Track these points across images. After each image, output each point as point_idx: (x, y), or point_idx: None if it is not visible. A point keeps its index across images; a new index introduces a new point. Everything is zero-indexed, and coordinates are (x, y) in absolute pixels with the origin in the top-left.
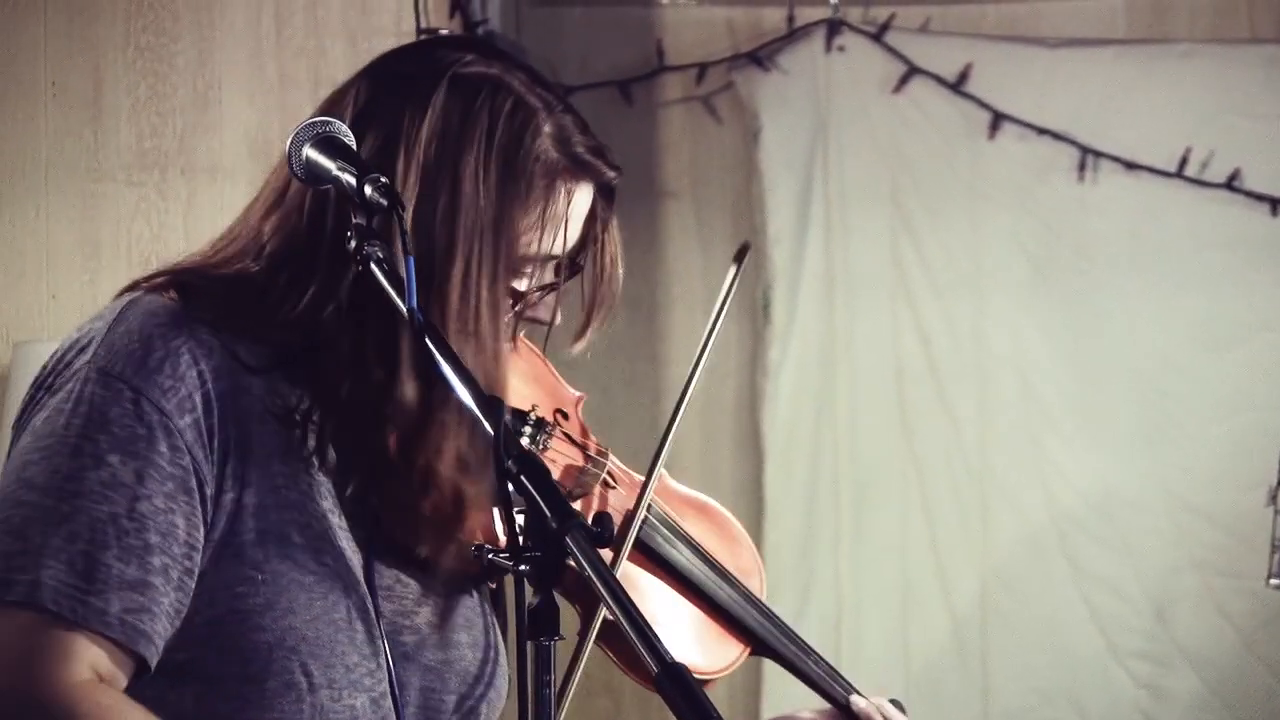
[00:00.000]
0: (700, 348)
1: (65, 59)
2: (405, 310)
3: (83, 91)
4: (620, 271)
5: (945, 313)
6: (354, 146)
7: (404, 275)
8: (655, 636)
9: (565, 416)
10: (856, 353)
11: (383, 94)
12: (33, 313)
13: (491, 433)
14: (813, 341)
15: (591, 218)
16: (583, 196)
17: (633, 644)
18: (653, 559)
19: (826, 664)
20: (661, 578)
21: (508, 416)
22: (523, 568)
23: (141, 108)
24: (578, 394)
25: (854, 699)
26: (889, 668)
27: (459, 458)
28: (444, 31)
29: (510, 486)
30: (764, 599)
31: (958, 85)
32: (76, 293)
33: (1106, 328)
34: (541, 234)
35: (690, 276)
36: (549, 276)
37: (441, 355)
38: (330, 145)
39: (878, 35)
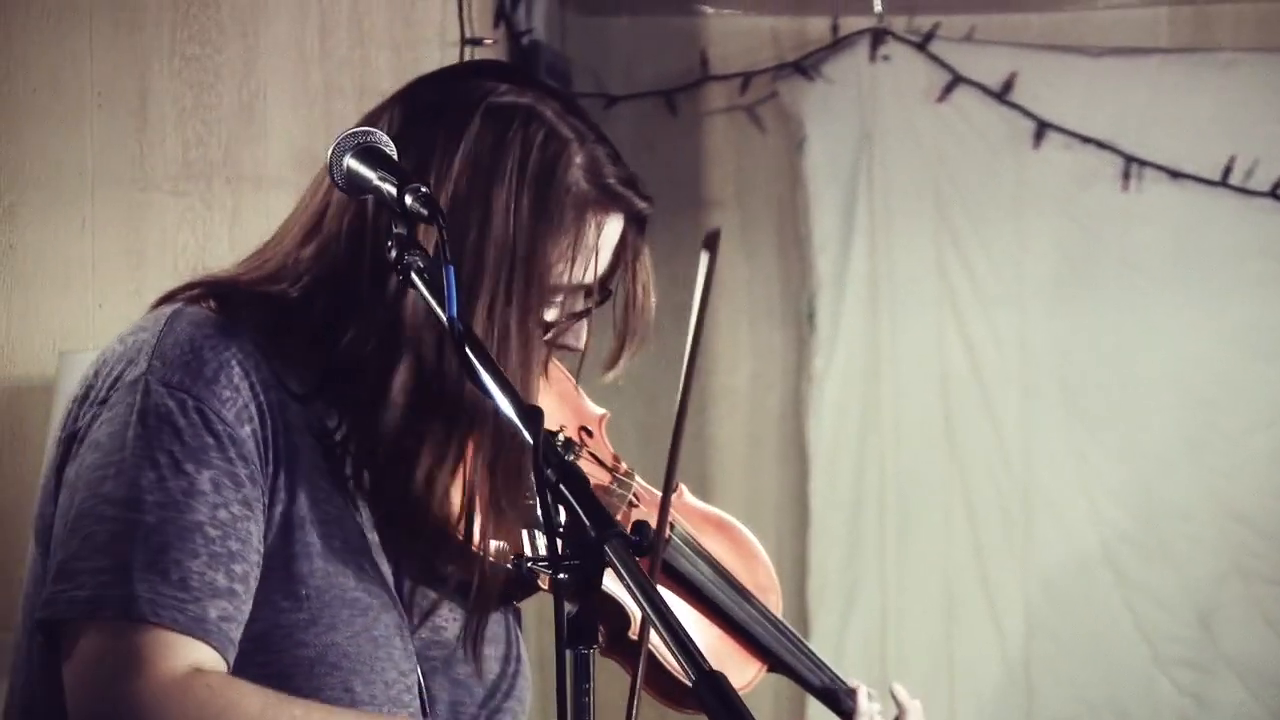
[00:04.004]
0: (690, 343)
1: (111, 69)
2: (445, 319)
3: (128, 101)
4: (652, 301)
5: (989, 321)
6: (395, 157)
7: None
8: (694, 645)
9: (590, 434)
10: (901, 361)
11: (416, 121)
12: (79, 322)
13: (530, 442)
14: (857, 350)
15: (622, 246)
16: (613, 227)
17: (674, 671)
18: (674, 577)
19: (841, 681)
20: (682, 595)
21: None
22: (561, 576)
23: (187, 117)
24: (601, 411)
25: (859, 695)
26: (933, 677)
27: (470, 488)
28: (487, 42)
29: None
30: (780, 615)
31: (1002, 94)
32: (122, 302)
33: (1150, 337)
34: (572, 264)
35: (735, 286)
36: (579, 305)
37: (481, 364)
38: (371, 155)
39: (922, 44)
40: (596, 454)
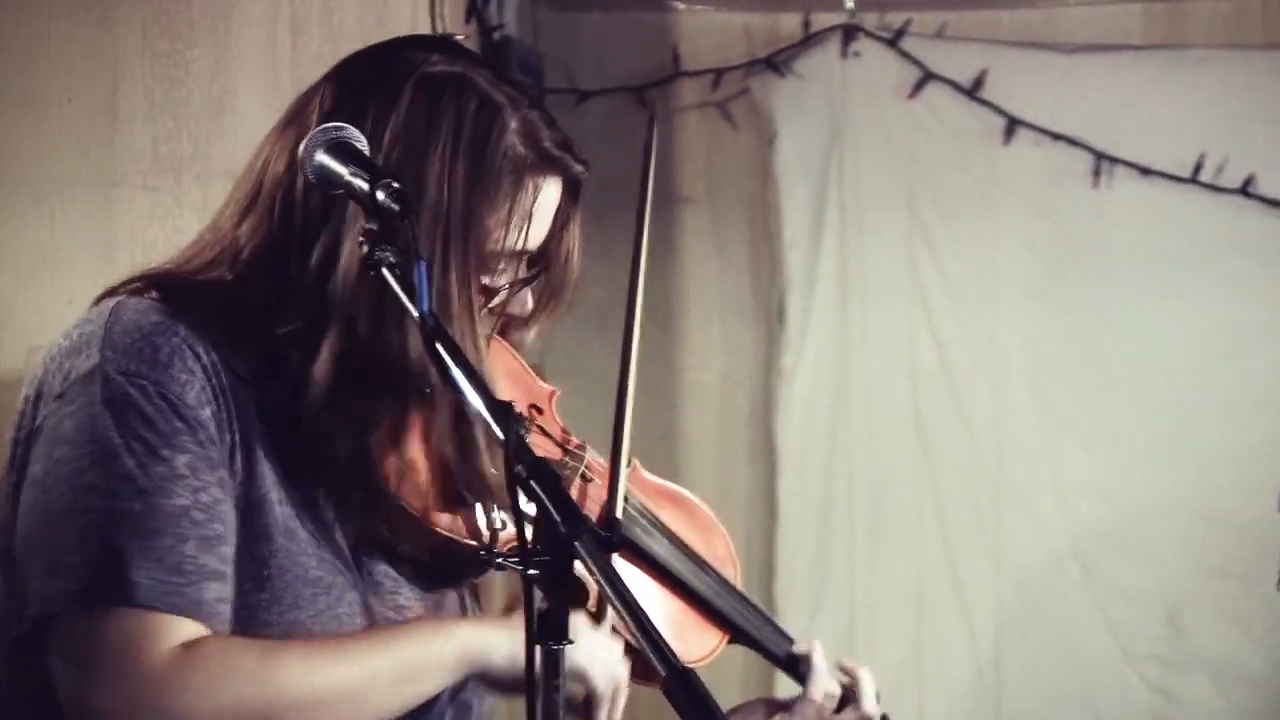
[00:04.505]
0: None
1: (81, 63)
2: (417, 315)
3: (99, 96)
4: (575, 264)
5: (960, 318)
6: (367, 152)
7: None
8: (664, 642)
9: (540, 411)
10: (871, 358)
11: (348, 97)
12: (48, 317)
13: (502, 437)
14: (827, 347)
15: (557, 211)
16: (551, 191)
17: (636, 645)
18: (632, 550)
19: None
20: (641, 568)
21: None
22: (532, 572)
23: (157, 112)
24: (550, 388)
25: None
26: (903, 674)
27: (417, 464)
28: (459, 38)
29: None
30: (739, 586)
31: (973, 91)
32: (92, 297)
33: (1121, 334)
34: (508, 230)
35: (706, 281)
36: (521, 272)
37: (453, 360)
38: (343, 150)
39: (893, 41)
40: (546, 429)
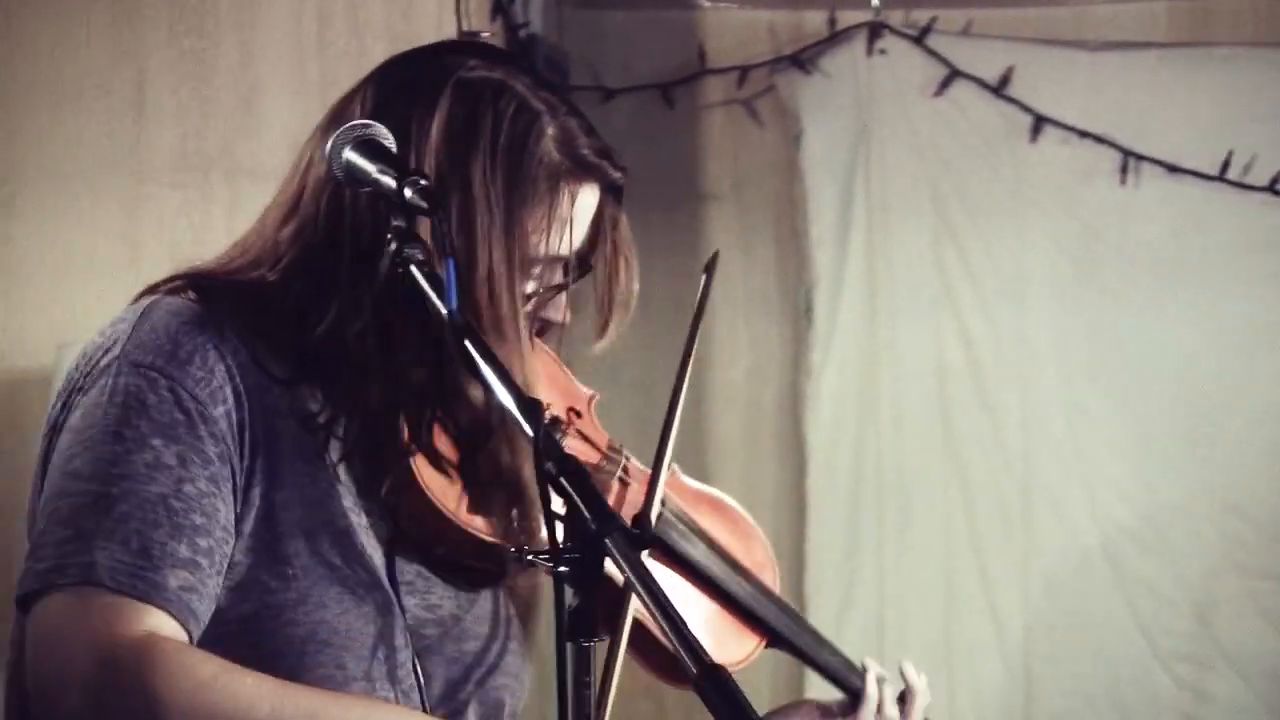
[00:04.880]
0: (683, 357)
1: (109, 61)
2: (445, 313)
3: (126, 94)
4: (634, 270)
5: (987, 316)
6: (394, 149)
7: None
8: (694, 638)
9: (579, 415)
10: (899, 356)
11: (389, 100)
12: (77, 315)
13: (531, 434)
14: (855, 344)
15: (599, 217)
16: (587, 198)
17: (668, 647)
18: (669, 555)
19: (841, 655)
20: (678, 572)
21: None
22: (562, 569)
23: (185, 110)
24: (590, 392)
25: (868, 677)
26: (931, 671)
27: (510, 462)
28: (485, 35)
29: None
30: (777, 591)
31: (999, 88)
32: (120, 295)
33: (1149, 331)
34: (548, 235)
35: (732, 279)
36: (557, 277)
37: (482, 357)
38: (370, 148)
39: (919, 38)
40: (585, 433)
